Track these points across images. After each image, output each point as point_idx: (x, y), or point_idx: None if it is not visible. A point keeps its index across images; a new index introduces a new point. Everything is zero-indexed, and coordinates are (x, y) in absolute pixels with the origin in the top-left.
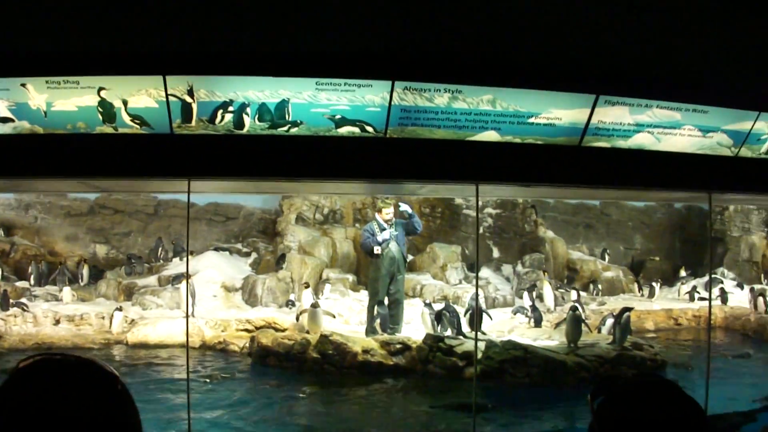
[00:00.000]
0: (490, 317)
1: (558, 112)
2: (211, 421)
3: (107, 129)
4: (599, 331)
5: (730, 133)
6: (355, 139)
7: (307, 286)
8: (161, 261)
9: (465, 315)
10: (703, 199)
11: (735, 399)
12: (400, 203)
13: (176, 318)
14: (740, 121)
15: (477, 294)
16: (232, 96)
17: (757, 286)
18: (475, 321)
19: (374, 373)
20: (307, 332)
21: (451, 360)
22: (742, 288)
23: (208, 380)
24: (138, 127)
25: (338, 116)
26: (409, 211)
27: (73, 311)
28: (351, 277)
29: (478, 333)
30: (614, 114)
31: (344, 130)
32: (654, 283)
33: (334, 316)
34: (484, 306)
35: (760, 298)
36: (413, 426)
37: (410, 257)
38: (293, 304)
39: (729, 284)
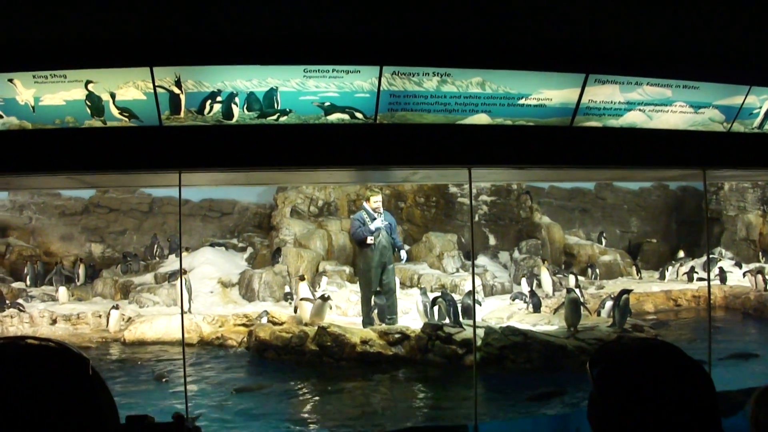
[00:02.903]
0: (480, 304)
1: (548, 93)
2: (211, 418)
3: (96, 123)
4: (598, 315)
5: (722, 108)
6: (344, 126)
7: (303, 279)
8: (157, 258)
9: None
10: (697, 177)
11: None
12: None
13: (173, 315)
14: (731, 95)
15: (474, 282)
16: (220, 86)
17: (754, 265)
18: (473, 308)
19: (373, 364)
20: (306, 324)
21: (450, 348)
22: (740, 267)
23: (206, 375)
24: (126, 120)
25: (327, 103)
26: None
27: (69, 311)
28: (347, 269)
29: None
30: (605, 93)
31: (334, 118)
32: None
33: (339, 307)
34: (482, 294)
35: (759, 276)
36: (415, 415)
37: (407, 247)
38: (291, 297)
39: (727, 263)
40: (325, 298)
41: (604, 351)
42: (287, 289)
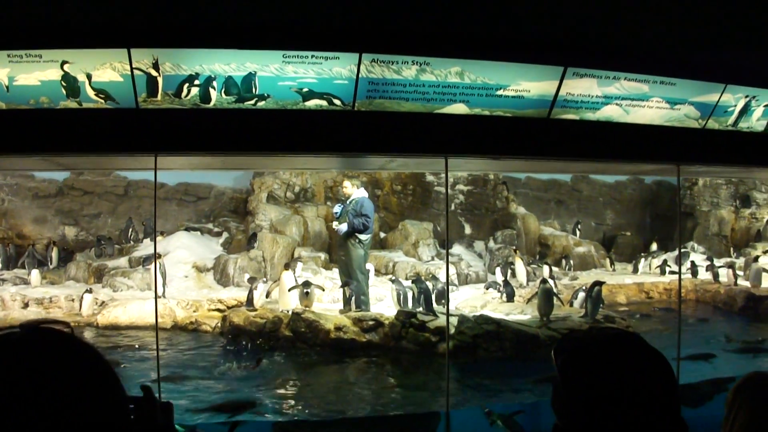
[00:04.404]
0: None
1: (526, 85)
2: (183, 407)
3: (71, 104)
4: (571, 305)
5: (698, 105)
6: (322, 112)
7: (288, 268)
8: (131, 242)
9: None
10: (671, 172)
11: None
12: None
13: (147, 299)
14: (707, 93)
15: (448, 270)
16: (198, 69)
17: (723, 260)
18: (446, 296)
19: (347, 350)
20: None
21: (423, 336)
22: (711, 261)
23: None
24: (103, 101)
25: (305, 89)
26: (342, 228)
27: (42, 294)
28: (323, 256)
29: (445, 310)
30: (582, 86)
31: (312, 104)
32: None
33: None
34: (456, 283)
35: (729, 271)
36: (387, 402)
37: (382, 234)
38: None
39: (699, 258)
40: (308, 284)
41: (568, 340)
42: (246, 275)
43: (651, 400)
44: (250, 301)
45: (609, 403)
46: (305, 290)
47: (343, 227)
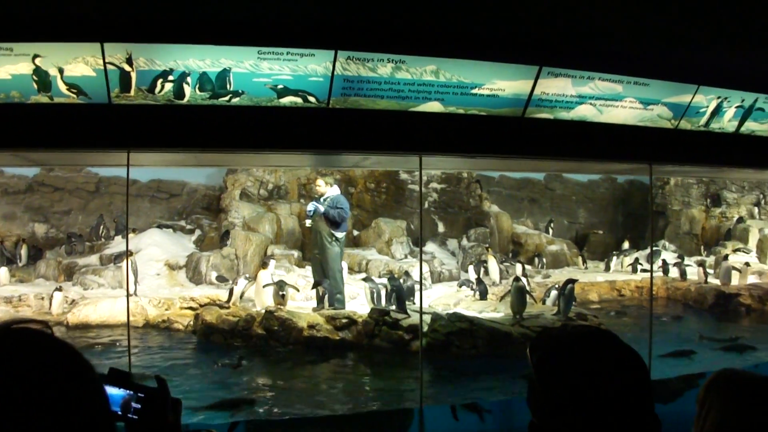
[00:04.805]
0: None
1: (501, 84)
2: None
3: (42, 98)
4: (544, 303)
5: (671, 105)
6: (297, 109)
7: (265, 266)
8: (103, 239)
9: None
10: (644, 171)
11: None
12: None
13: (118, 297)
14: (680, 94)
15: (421, 268)
16: (172, 65)
17: (693, 259)
18: (420, 294)
19: (320, 348)
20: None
21: (397, 333)
22: (682, 259)
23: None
24: (75, 96)
25: (280, 86)
26: (319, 208)
27: (11, 292)
28: (296, 253)
29: (414, 307)
30: (557, 86)
31: (286, 100)
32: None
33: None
34: (429, 281)
35: (700, 269)
36: (361, 399)
37: (356, 232)
38: (225, 280)
39: (670, 256)
40: (283, 286)
41: (543, 337)
42: (213, 274)
43: (625, 397)
44: (230, 298)
45: (584, 399)
46: (280, 292)
47: (320, 208)
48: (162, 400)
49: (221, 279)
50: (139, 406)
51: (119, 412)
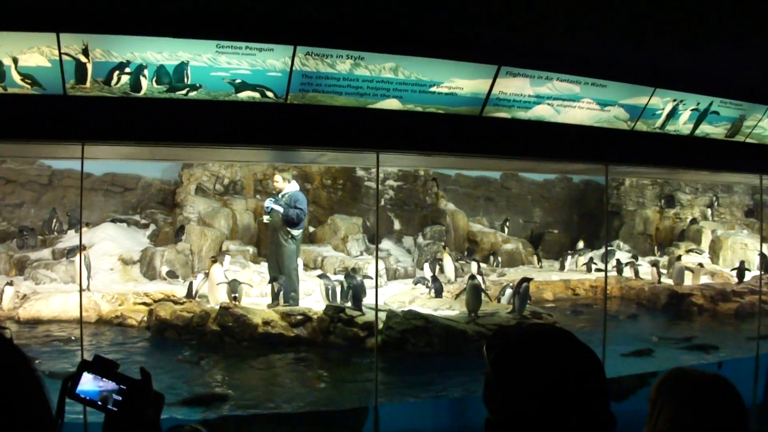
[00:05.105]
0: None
1: (460, 82)
2: None
3: None
4: (499, 301)
5: (627, 107)
6: (254, 104)
7: (215, 261)
8: (55, 233)
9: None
10: (600, 172)
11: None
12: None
13: (71, 292)
14: (637, 96)
15: (377, 266)
16: (129, 57)
17: (647, 258)
18: (375, 291)
19: (275, 345)
20: (208, 303)
21: (352, 331)
22: (636, 259)
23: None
24: (29, 87)
25: (238, 81)
26: (277, 208)
27: None
28: (251, 249)
29: (370, 305)
30: (515, 85)
31: (244, 95)
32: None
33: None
34: (385, 278)
35: (653, 269)
36: (316, 397)
37: (311, 229)
38: (175, 276)
39: (624, 256)
40: (236, 285)
41: (499, 335)
42: (165, 269)
43: (581, 394)
44: (190, 293)
45: (541, 396)
46: (233, 294)
47: (278, 208)
48: (144, 394)
49: (172, 275)
50: (120, 398)
51: (98, 403)
